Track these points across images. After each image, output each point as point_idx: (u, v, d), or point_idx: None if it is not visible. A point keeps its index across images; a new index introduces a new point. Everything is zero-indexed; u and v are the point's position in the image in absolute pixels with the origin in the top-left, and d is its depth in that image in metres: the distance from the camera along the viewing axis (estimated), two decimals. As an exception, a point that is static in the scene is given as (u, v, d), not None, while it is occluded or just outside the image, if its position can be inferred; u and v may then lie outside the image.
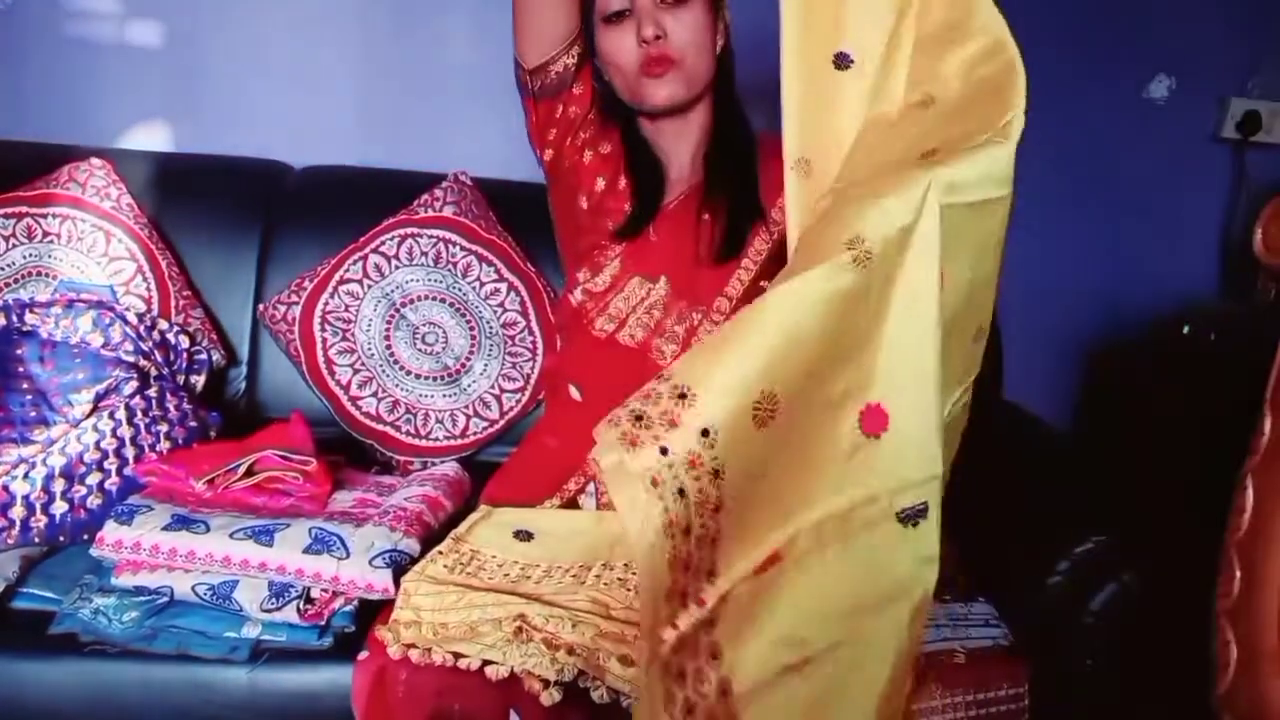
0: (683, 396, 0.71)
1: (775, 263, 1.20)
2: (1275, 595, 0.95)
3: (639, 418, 0.71)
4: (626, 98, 1.20)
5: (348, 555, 1.10)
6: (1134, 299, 2.08)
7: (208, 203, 1.71)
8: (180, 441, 1.36)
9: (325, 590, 1.11)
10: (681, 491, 0.70)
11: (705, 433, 0.70)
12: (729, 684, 0.72)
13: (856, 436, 0.78)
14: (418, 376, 1.61)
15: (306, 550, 1.10)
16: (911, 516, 0.79)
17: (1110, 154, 2.06)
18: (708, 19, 1.16)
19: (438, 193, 1.66)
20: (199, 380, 1.55)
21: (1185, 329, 1.87)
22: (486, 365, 1.63)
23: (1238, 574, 0.98)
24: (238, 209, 1.71)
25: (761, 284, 1.20)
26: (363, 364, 1.61)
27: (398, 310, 1.62)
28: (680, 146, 1.24)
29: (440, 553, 1.06)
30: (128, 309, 1.49)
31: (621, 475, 0.69)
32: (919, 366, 0.79)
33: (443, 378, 1.61)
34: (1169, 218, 2.10)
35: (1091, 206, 2.09)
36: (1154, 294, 2.03)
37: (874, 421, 0.78)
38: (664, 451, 0.69)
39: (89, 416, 1.30)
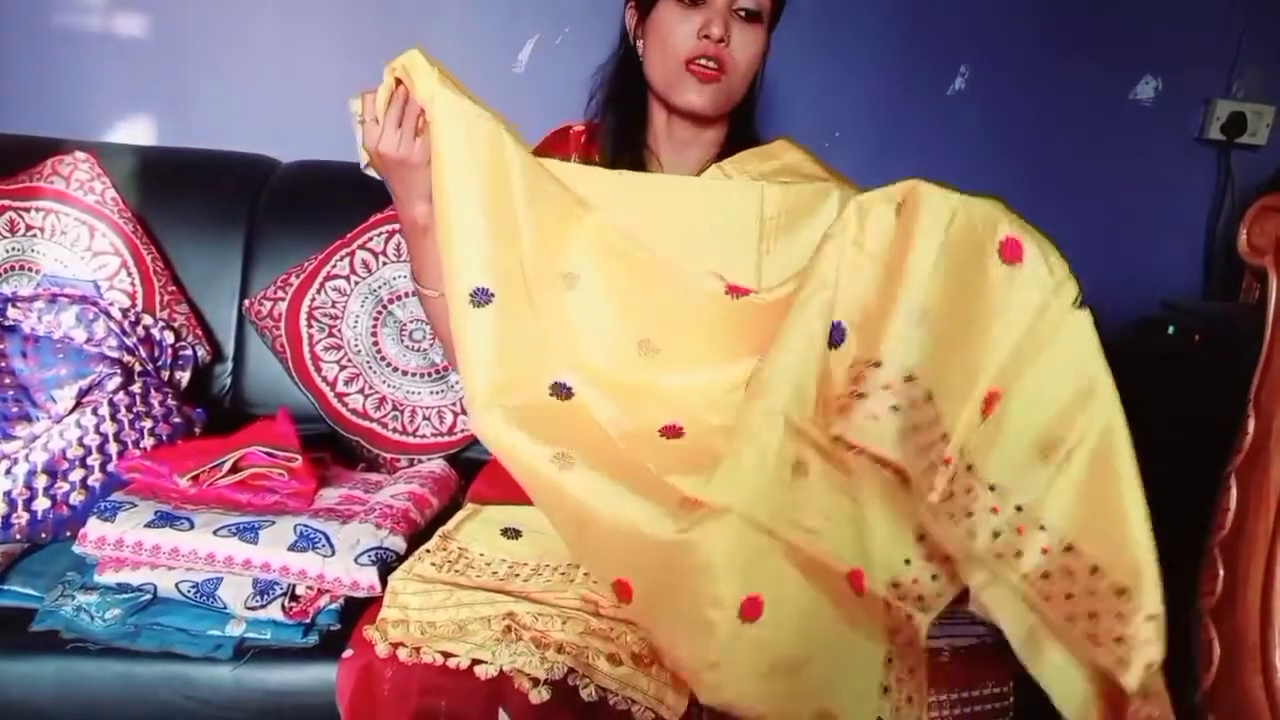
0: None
1: None
2: (1258, 594, 0.96)
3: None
4: (657, 80, 1.14)
5: (333, 552, 1.10)
6: (1119, 299, 2.08)
7: (193, 197, 1.70)
8: (164, 438, 1.35)
9: (310, 588, 1.11)
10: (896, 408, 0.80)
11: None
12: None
13: (1001, 269, 0.88)
14: (405, 373, 1.60)
15: (291, 547, 1.10)
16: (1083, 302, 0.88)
17: (1097, 155, 2.07)
18: (765, 47, 1.13)
19: (426, 189, 1.65)
20: (184, 376, 1.54)
21: (1170, 329, 1.88)
22: (474, 362, 1.62)
23: (1221, 573, 0.99)
24: (224, 204, 1.70)
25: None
26: (349, 360, 1.60)
27: (385, 306, 1.62)
28: (690, 153, 1.20)
29: (428, 550, 1.06)
30: (112, 304, 1.48)
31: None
32: None
33: (430, 374, 1.60)
34: (1155, 218, 2.12)
35: (1078, 207, 2.10)
36: (1139, 294, 2.04)
37: (1012, 251, 0.89)
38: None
39: (72, 412, 1.29)
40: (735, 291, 1.00)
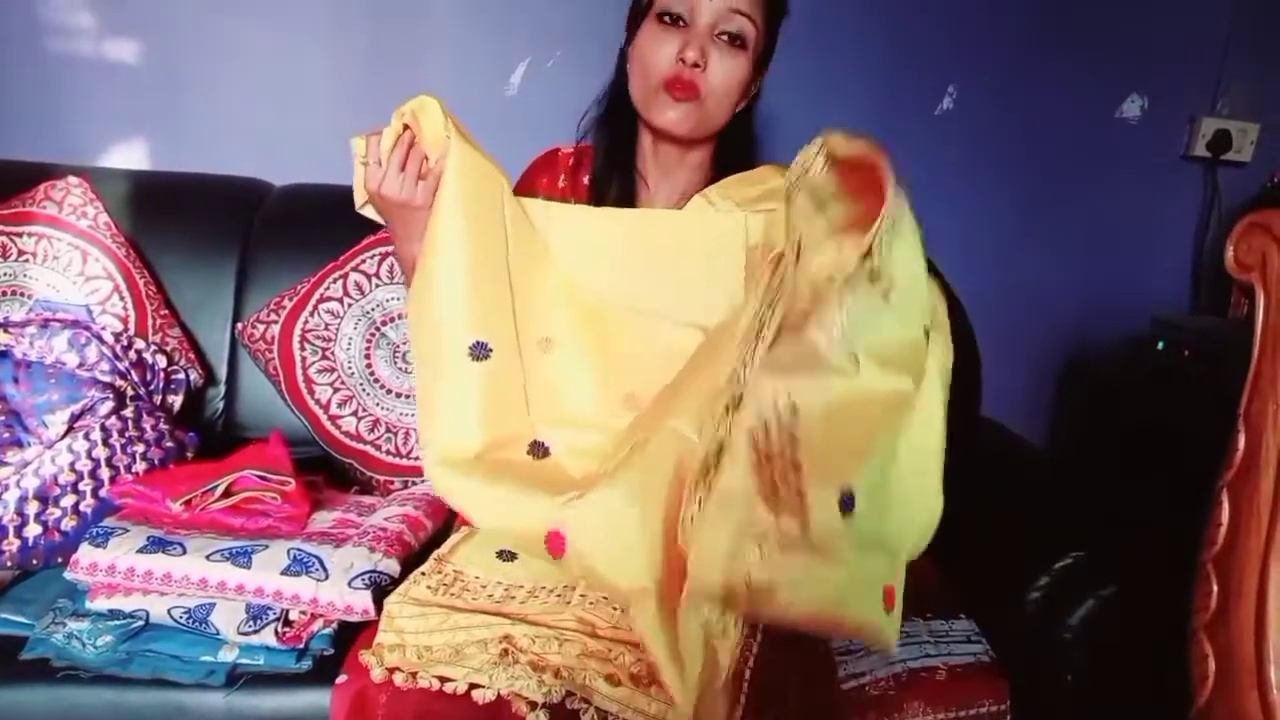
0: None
1: None
2: (1251, 608, 0.96)
3: None
4: (637, 99, 1.15)
5: (327, 576, 1.09)
6: (1109, 316, 2.10)
7: (186, 221, 1.70)
8: (157, 462, 1.34)
9: (304, 612, 1.10)
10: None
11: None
12: None
13: None
14: (398, 395, 1.60)
15: (285, 572, 1.09)
16: None
17: (1085, 173, 2.09)
18: (747, 75, 1.12)
19: (418, 211, 1.65)
20: (176, 400, 1.53)
21: (1160, 345, 1.89)
22: (467, 383, 1.62)
23: (1214, 588, 0.99)
24: (217, 227, 1.70)
25: None
26: (342, 382, 1.60)
27: (378, 328, 1.62)
28: (677, 179, 1.20)
29: (423, 574, 1.05)
30: (104, 328, 1.47)
31: None
32: None
33: (423, 396, 1.60)
34: (1143, 235, 2.13)
35: (1066, 224, 2.12)
36: (1129, 311, 2.05)
37: None
38: None
39: (64, 437, 1.29)
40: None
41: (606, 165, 1.19)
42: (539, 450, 1.03)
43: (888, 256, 0.82)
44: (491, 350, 0.99)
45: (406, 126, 1.00)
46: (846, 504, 0.80)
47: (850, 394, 0.81)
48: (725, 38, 1.09)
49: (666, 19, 1.09)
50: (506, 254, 1.02)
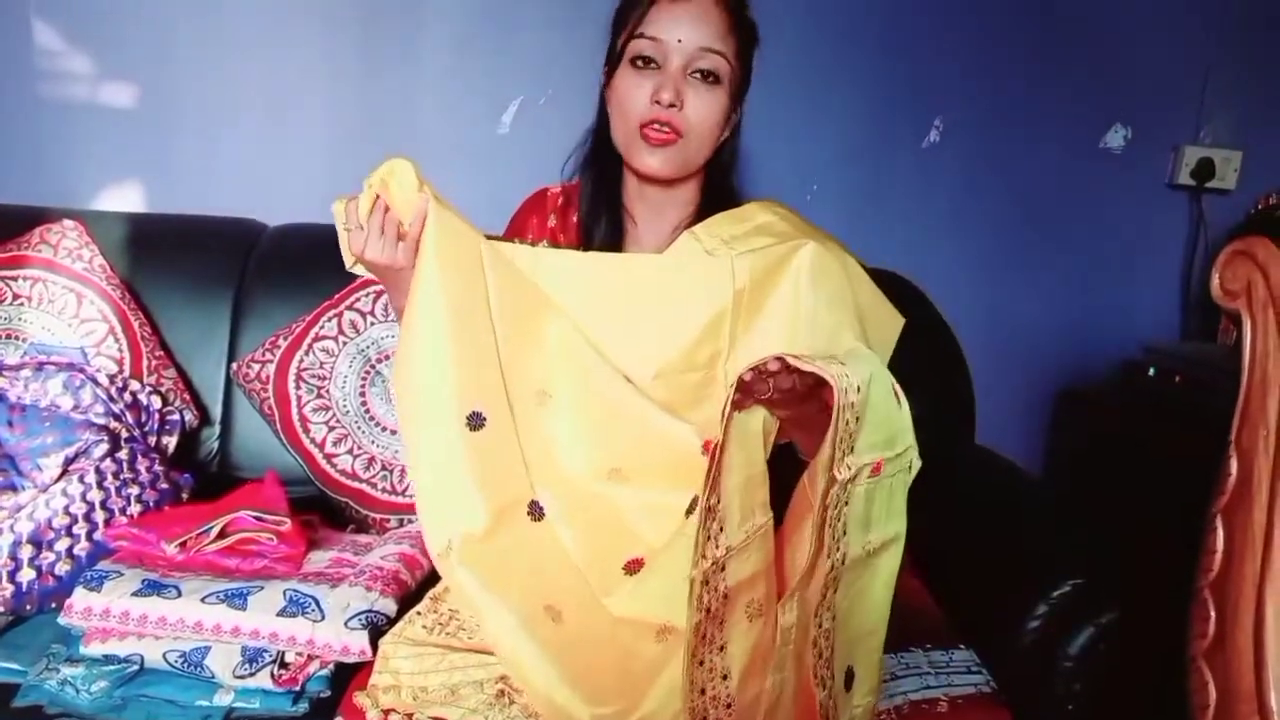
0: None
1: None
2: (1250, 634, 0.96)
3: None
4: (619, 143, 1.15)
5: (323, 617, 1.09)
6: (1100, 344, 2.12)
7: (181, 262, 1.71)
8: (152, 504, 1.34)
9: (300, 654, 1.09)
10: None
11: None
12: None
13: None
14: (394, 433, 1.60)
15: (281, 613, 1.09)
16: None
17: (1071, 203, 2.11)
18: (724, 108, 1.12)
19: (412, 249, 1.66)
20: (171, 441, 1.53)
21: (1151, 372, 1.90)
22: (463, 420, 1.62)
23: (1212, 614, 0.99)
24: (211, 268, 1.71)
25: None
26: (338, 421, 1.60)
27: (373, 366, 1.62)
28: (666, 215, 1.20)
29: (418, 613, 1.05)
30: (99, 370, 1.47)
31: None
32: None
33: (419, 433, 1.60)
34: (1131, 264, 2.15)
35: (1055, 254, 2.14)
36: (1119, 339, 2.07)
37: None
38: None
39: (58, 481, 1.28)
40: (710, 448, 0.99)
41: (593, 205, 1.20)
42: (536, 511, 1.04)
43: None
44: (486, 419, 1.00)
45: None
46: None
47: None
48: (699, 75, 1.09)
49: (640, 63, 1.10)
50: (490, 315, 1.02)
